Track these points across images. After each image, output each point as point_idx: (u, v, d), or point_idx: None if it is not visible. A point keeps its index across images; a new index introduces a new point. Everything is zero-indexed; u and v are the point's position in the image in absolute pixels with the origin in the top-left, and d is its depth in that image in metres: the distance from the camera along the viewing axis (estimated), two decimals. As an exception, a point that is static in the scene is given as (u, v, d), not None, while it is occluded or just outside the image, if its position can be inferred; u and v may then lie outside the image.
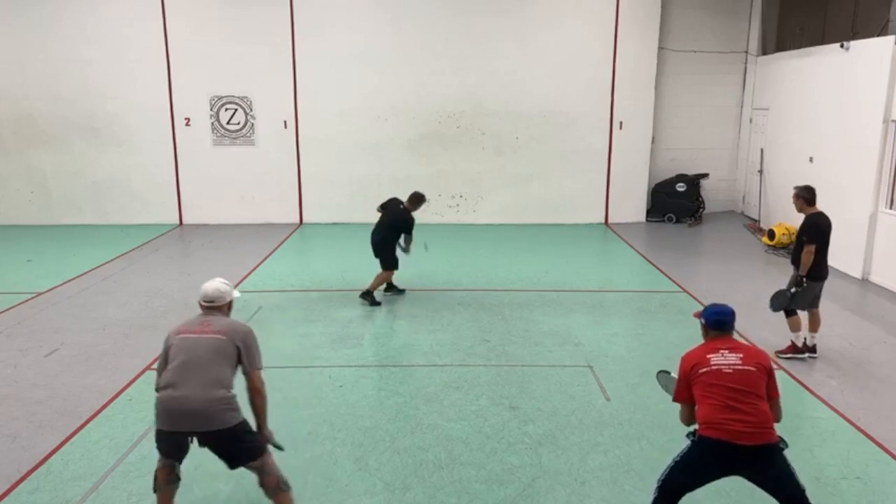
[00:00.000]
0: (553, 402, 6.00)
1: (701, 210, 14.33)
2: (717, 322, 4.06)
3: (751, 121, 14.35)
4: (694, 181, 14.26)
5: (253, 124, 13.75)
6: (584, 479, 4.84)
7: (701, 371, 3.81)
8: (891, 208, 9.58)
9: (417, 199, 8.79)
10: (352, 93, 13.59)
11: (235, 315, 8.60)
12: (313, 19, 13.31)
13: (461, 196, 14.09)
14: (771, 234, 11.88)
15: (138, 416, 5.75)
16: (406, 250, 8.79)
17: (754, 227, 13.43)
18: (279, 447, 4.26)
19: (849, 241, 10.20)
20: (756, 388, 3.75)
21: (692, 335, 7.14)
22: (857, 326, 8.13)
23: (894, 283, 9.43)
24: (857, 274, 10.04)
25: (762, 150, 13.56)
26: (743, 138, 14.69)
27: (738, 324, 7.10)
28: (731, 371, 3.77)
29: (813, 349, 7.05)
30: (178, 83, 13.50)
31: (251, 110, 13.70)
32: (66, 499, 4.58)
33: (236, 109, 13.68)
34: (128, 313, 8.38)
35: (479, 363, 6.89)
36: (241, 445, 3.99)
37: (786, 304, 6.89)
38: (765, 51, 14.02)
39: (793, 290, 6.87)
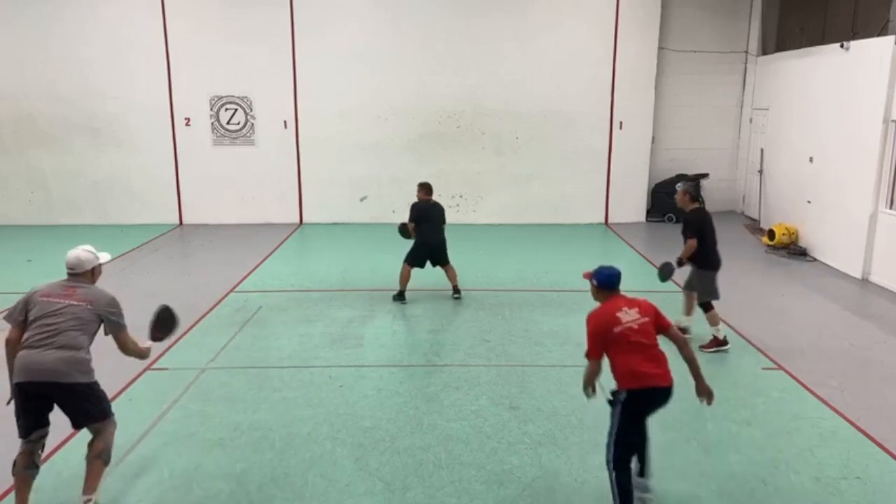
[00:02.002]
0: (553, 402, 6.01)
1: (701, 210, 14.31)
2: (611, 283, 4.42)
3: (751, 121, 14.35)
4: (694, 181, 14.25)
5: (253, 124, 13.75)
6: (584, 479, 4.84)
7: (616, 330, 4.16)
8: (891, 208, 9.57)
9: (429, 186, 9.00)
10: (352, 93, 13.59)
11: (237, 315, 8.55)
12: (313, 19, 13.31)
13: (461, 196, 14.10)
14: (771, 234, 11.88)
15: (138, 416, 5.77)
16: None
17: (751, 227, 13.42)
18: None
19: (849, 241, 10.21)
20: (654, 336, 4.26)
21: (692, 334, 7.17)
22: (857, 326, 8.12)
23: (894, 283, 9.42)
24: (857, 274, 10.04)
25: (762, 150, 13.55)
26: (743, 138, 14.69)
27: (738, 322, 7.23)
28: (637, 327, 4.20)
29: (685, 331, 6.98)
30: (178, 83, 13.50)
31: (251, 110, 13.70)
32: (66, 499, 4.57)
33: (236, 109, 13.68)
34: (127, 313, 8.31)
35: (479, 363, 6.89)
36: (84, 405, 4.31)
37: (671, 275, 6.93)
38: (765, 51, 14.03)
39: (677, 260, 7.00)
